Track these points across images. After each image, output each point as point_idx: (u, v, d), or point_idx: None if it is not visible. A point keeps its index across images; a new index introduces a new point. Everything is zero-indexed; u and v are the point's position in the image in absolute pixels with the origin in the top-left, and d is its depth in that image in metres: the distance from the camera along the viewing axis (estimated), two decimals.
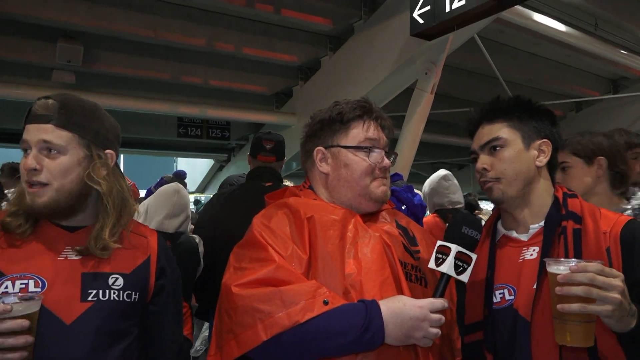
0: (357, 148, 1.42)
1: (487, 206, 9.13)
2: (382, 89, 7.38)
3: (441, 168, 3.44)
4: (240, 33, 7.73)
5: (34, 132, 1.28)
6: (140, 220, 2.48)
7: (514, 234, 1.38)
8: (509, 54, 9.38)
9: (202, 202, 9.10)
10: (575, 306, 1.03)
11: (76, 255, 1.30)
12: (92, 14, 6.79)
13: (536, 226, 1.35)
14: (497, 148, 1.37)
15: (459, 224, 1.27)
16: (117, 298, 1.30)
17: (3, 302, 1.06)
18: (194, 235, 2.83)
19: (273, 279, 1.18)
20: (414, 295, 1.26)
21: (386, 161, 1.43)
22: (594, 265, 1.03)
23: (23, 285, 1.22)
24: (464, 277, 1.24)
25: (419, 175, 11.57)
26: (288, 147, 3.07)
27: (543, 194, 1.37)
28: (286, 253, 1.25)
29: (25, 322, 1.07)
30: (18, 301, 1.08)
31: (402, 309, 1.17)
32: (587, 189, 1.81)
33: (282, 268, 1.20)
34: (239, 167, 11.44)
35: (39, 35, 7.06)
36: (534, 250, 1.31)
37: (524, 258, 1.32)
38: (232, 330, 1.17)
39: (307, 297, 1.15)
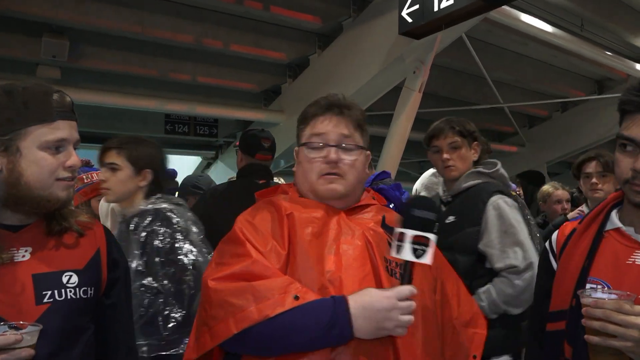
0: (305, 145, 1.44)
1: None
2: (370, 87, 7.39)
3: (429, 167, 3.47)
4: (229, 30, 7.68)
5: (73, 129, 1.27)
6: (108, 224, 2.45)
7: (631, 232, 1.22)
8: (497, 53, 9.45)
9: None
10: (594, 339, 1.05)
11: (22, 257, 1.21)
12: (79, 9, 6.70)
13: None
14: None
15: (408, 207, 1.25)
16: (73, 296, 1.25)
17: None
18: None
19: (248, 274, 1.22)
20: None
21: (332, 155, 1.38)
22: (612, 303, 1.03)
23: None
24: (426, 259, 1.22)
25: (407, 173, 11.61)
26: (276, 144, 3.08)
27: None
28: (265, 249, 1.27)
29: (32, 352, 1.05)
30: (7, 330, 1.04)
31: (369, 302, 1.18)
32: None
33: (258, 263, 1.23)
34: (227, 164, 11.39)
35: (24, 30, 6.95)
36: None
37: (634, 261, 1.18)
38: (206, 323, 1.22)
39: (279, 292, 1.18)
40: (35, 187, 1.21)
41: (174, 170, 3.86)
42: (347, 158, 1.40)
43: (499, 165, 2.41)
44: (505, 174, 2.47)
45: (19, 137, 1.19)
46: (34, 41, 6.97)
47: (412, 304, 1.20)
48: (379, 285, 1.26)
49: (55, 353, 1.19)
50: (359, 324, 1.16)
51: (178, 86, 8.84)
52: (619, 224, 1.26)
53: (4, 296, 1.17)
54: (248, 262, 1.23)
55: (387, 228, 1.39)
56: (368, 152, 1.48)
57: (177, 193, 3.73)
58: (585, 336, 1.07)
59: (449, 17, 5.62)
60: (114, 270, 1.38)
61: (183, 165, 15.01)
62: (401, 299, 1.19)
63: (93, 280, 1.31)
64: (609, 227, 1.26)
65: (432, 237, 1.23)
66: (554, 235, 1.41)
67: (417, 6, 5.79)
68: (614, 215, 1.28)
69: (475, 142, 2.39)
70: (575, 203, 3.86)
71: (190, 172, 14.95)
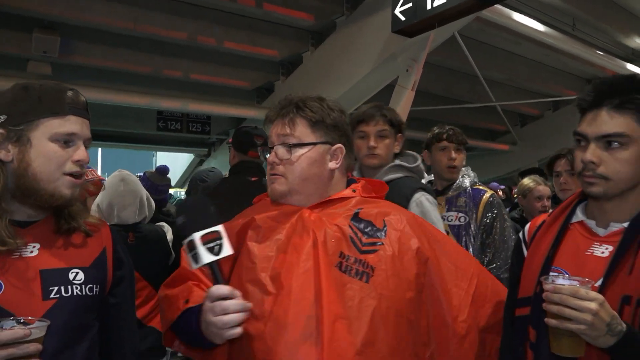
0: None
1: None
2: (363, 85, 7.41)
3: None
4: (222, 27, 7.67)
5: (85, 127, 1.29)
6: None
7: (592, 225, 1.28)
8: (489, 52, 9.50)
9: (175, 196, 8.98)
10: (552, 322, 1.11)
11: (30, 252, 1.23)
12: (71, 4, 6.65)
13: (618, 225, 1.24)
14: (615, 145, 1.20)
15: (180, 214, 1.29)
16: (79, 293, 1.26)
17: (2, 328, 1.03)
18: (161, 224, 2.79)
19: (171, 281, 1.43)
20: (350, 288, 1.26)
21: (269, 157, 1.41)
22: (568, 288, 1.09)
23: None
24: (226, 251, 1.21)
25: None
26: None
27: None
28: None
29: (40, 347, 1.06)
30: (15, 324, 1.06)
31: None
32: None
33: (182, 270, 1.41)
34: (220, 161, 11.37)
35: (15, 25, 6.90)
36: (606, 248, 1.23)
37: (592, 252, 1.24)
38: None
39: (179, 298, 1.34)
40: (41, 179, 1.22)
41: (165, 166, 3.85)
42: (286, 156, 1.39)
43: (420, 160, 2.38)
44: (423, 169, 2.44)
45: (31, 128, 1.22)
46: (24, 37, 6.93)
47: (234, 303, 1.18)
48: (317, 282, 1.26)
49: (61, 350, 1.20)
50: (206, 332, 1.24)
51: (171, 83, 8.82)
52: (582, 217, 1.32)
53: (12, 290, 1.18)
54: (178, 270, 1.43)
55: (358, 221, 1.37)
56: (333, 145, 1.43)
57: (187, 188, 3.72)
58: (545, 319, 1.13)
59: (442, 16, 5.65)
60: (119, 269, 1.40)
61: (176, 162, 15.00)
62: (214, 299, 1.19)
63: (99, 278, 1.32)
64: (573, 219, 1.33)
65: (217, 228, 1.23)
66: (527, 226, 1.47)
67: (410, 4, 5.80)
68: (579, 209, 1.35)
69: (400, 134, 2.35)
70: (556, 201, 3.74)
71: (183, 169, 14.96)
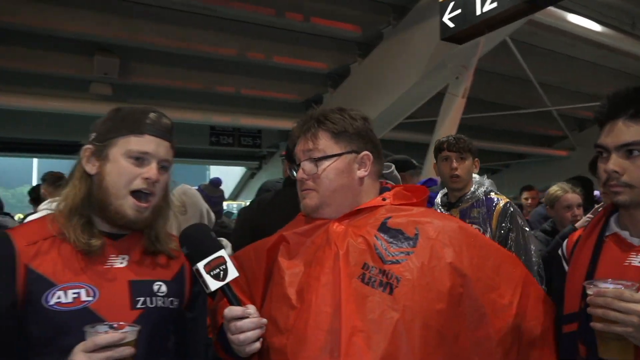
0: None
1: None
2: (412, 94, 7.34)
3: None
4: (270, 42, 7.82)
5: (162, 147, 1.36)
6: None
7: (627, 235, 1.30)
8: (543, 55, 9.20)
9: (230, 210, 9.16)
10: (598, 325, 1.11)
11: (120, 263, 1.31)
12: (126, 27, 6.98)
13: None
14: (636, 152, 1.23)
15: (183, 245, 1.30)
16: (162, 305, 1.32)
17: (97, 332, 1.09)
18: (220, 239, 2.84)
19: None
20: (371, 300, 1.22)
21: (298, 174, 1.43)
22: (613, 291, 1.09)
23: (76, 295, 1.22)
24: (232, 275, 1.25)
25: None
26: None
27: None
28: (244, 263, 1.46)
29: (134, 350, 1.11)
30: (109, 329, 1.11)
31: None
32: None
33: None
34: (271, 174, 11.54)
35: (76, 49, 7.30)
36: None
37: (630, 262, 1.25)
38: None
39: (219, 313, 1.36)
40: (111, 194, 1.29)
41: (218, 178, 3.97)
42: (313, 170, 1.40)
43: (393, 167, 2.31)
44: (398, 176, 2.36)
45: (111, 145, 1.31)
46: (86, 60, 7.31)
47: (248, 321, 1.22)
48: (336, 295, 1.24)
49: (147, 356, 1.24)
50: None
51: (222, 98, 9.05)
52: (616, 229, 1.34)
53: (106, 298, 1.25)
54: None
55: (385, 231, 1.34)
56: (359, 154, 1.43)
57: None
58: (591, 323, 1.12)
59: (492, 21, 5.52)
60: (196, 285, 1.43)
61: (228, 175, 15.34)
62: (229, 320, 1.23)
63: (179, 292, 1.38)
64: (608, 232, 1.35)
65: (219, 253, 1.26)
66: (565, 242, 1.48)
67: (458, 11, 5.71)
68: (612, 220, 1.37)
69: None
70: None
71: (235, 182, 15.26)
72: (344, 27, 7.77)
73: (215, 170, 16.94)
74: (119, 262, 1.31)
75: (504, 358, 1.27)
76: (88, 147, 1.33)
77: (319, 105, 9.30)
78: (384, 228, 1.33)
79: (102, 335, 1.08)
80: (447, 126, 6.98)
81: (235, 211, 10.94)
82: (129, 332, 1.11)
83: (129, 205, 1.29)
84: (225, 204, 10.43)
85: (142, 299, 1.29)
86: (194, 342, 1.45)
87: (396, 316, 1.20)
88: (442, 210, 2.68)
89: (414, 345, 1.18)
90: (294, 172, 1.45)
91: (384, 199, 1.43)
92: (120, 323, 1.13)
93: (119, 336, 1.08)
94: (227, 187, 15.04)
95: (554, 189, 3.41)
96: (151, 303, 1.30)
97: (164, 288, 1.34)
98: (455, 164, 2.61)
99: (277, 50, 7.95)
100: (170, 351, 1.37)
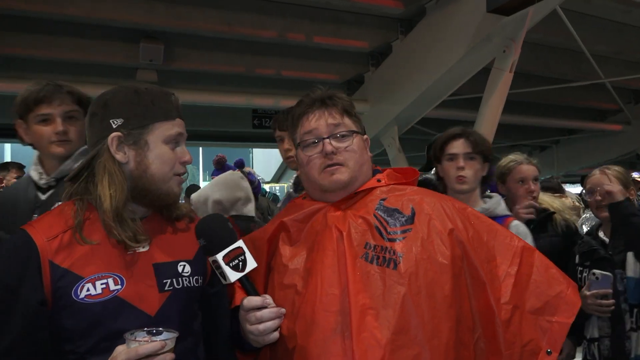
0: (299, 145, 1.47)
1: (571, 188, 8.63)
2: (457, 70, 7.14)
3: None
4: (310, 22, 7.75)
5: (184, 128, 1.38)
6: (199, 213, 2.56)
7: None
8: (596, 24, 8.73)
9: (270, 191, 9.28)
10: None
11: (143, 247, 1.30)
12: (170, 13, 7.08)
13: None
14: None
15: (200, 237, 1.29)
16: (188, 284, 1.34)
17: (135, 339, 1.10)
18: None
19: None
20: (376, 277, 1.25)
21: (327, 147, 1.39)
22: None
23: (104, 285, 1.22)
24: (251, 265, 1.24)
25: (498, 159, 11.14)
26: None
27: None
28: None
29: (173, 356, 1.13)
30: (146, 335, 1.13)
31: None
32: None
33: None
34: None
35: (123, 37, 7.47)
36: None
37: None
38: None
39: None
40: (157, 180, 1.31)
41: (241, 160, 4.01)
42: (343, 145, 1.41)
43: None
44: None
45: (148, 132, 1.30)
46: (132, 47, 7.47)
47: (268, 311, 1.23)
48: (343, 276, 1.26)
49: (179, 339, 1.27)
50: (245, 336, 1.30)
51: (263, 81, 9.08)
52: None
53: (133, 285, 1.26)
54: None
55: (383, 210, 1.36)
56: (365, 135, 1.50)
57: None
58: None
59: None
60: None
61: (271, 158, 15.46)
62: (248, 310, 1.25)
63: (201, 270, 1.40)
64: None
65: (237, 244, 1.25)
66: None
67: None
68: None
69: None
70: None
71: (277, 165, 15.38)
72: (386, 3, 7.61)
73: (258, 153, 17.12)
74: (142, 247, 1.30)
75: (505, 326, 1.28)
76: (116, 135, 1.29)
77: (359, 85, 9.25)
78: (381, 207, 1.37)
79: (143, 345, 1.09)
80: (494, 102, 6.78)
81: (278, 193, 11.05)
82: (170, 340, 1.12)
83: (176, 184, 1.35)
84: (267, 187, 10.56)
85: (168, 280, 1.30)
86: (220, 316, 1.46)
87: (403, 290, 1.23)
88: None
89: (423, 317, 1.22)
90: (311, 143, 1.44)
91: (378, 180, 1.47)
92: (159, 329, 1.15)
93: (159, 345, 1.10)
94: (270, 170, 15.21)
95: (506, 159, 2.91)
96: (178, 284, 1.32)
97: (187, 268, 1.36)
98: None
99: (318, 31, 7.88)
100: (199, 329, 1.39)
